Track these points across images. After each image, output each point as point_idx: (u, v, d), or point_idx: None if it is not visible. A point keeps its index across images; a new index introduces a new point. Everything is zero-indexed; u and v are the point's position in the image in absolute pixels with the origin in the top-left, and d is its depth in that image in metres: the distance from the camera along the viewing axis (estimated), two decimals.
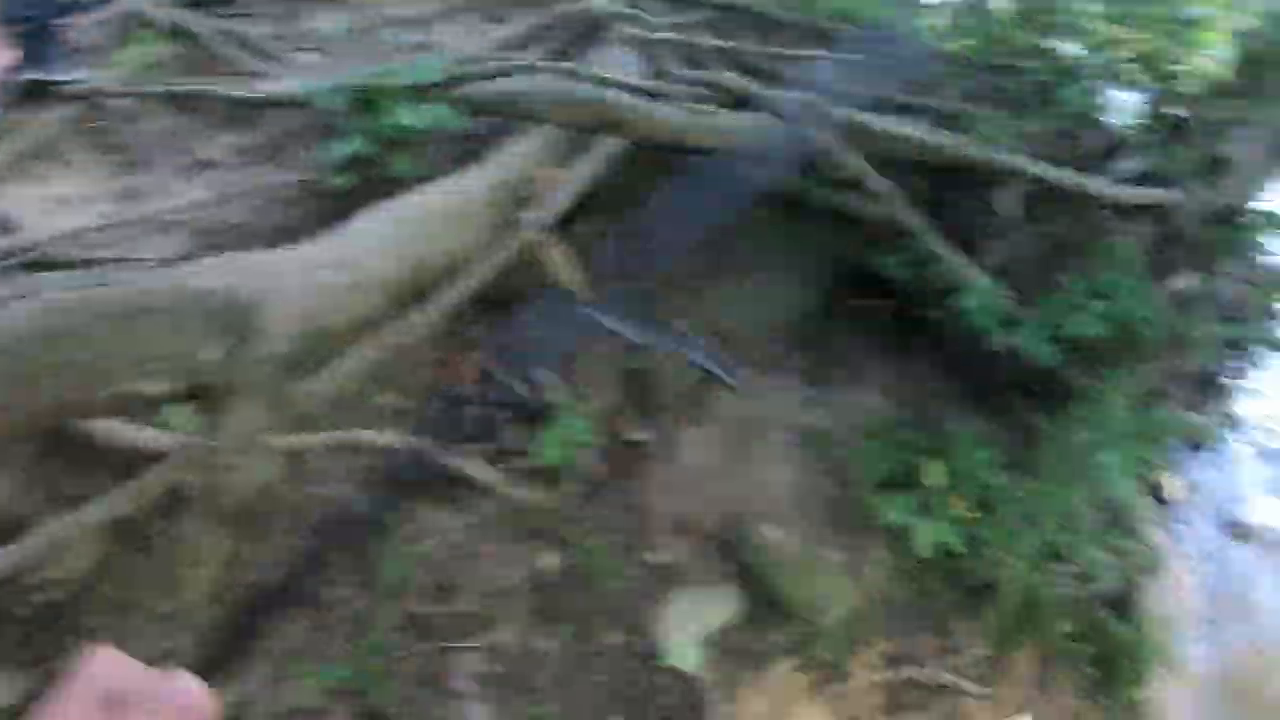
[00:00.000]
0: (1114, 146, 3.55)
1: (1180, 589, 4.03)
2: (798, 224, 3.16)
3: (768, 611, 3.06)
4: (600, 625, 3.09)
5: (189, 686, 0.58)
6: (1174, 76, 4.10)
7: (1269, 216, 3.53)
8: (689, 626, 3.03)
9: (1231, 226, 3.48)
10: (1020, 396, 3.18)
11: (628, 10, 3.76)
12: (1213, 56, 4.50)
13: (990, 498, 2.97)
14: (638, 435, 3.10)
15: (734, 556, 3.00)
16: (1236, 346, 3.54)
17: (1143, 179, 3.52)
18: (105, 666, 0.56)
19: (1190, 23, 4.13)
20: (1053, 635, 3.32)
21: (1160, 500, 4.13)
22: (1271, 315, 3.63)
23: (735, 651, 3.08)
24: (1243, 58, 4.34)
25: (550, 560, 3.12)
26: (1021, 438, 3.15)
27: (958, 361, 3.08)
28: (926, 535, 2.84)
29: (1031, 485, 3.04)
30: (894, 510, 2.84)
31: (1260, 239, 3.53)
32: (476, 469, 3.08)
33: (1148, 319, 2.90)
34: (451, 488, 3.05)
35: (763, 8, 3.84)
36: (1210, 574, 3.98)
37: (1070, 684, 3.32)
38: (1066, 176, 3.07)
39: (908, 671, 3.24)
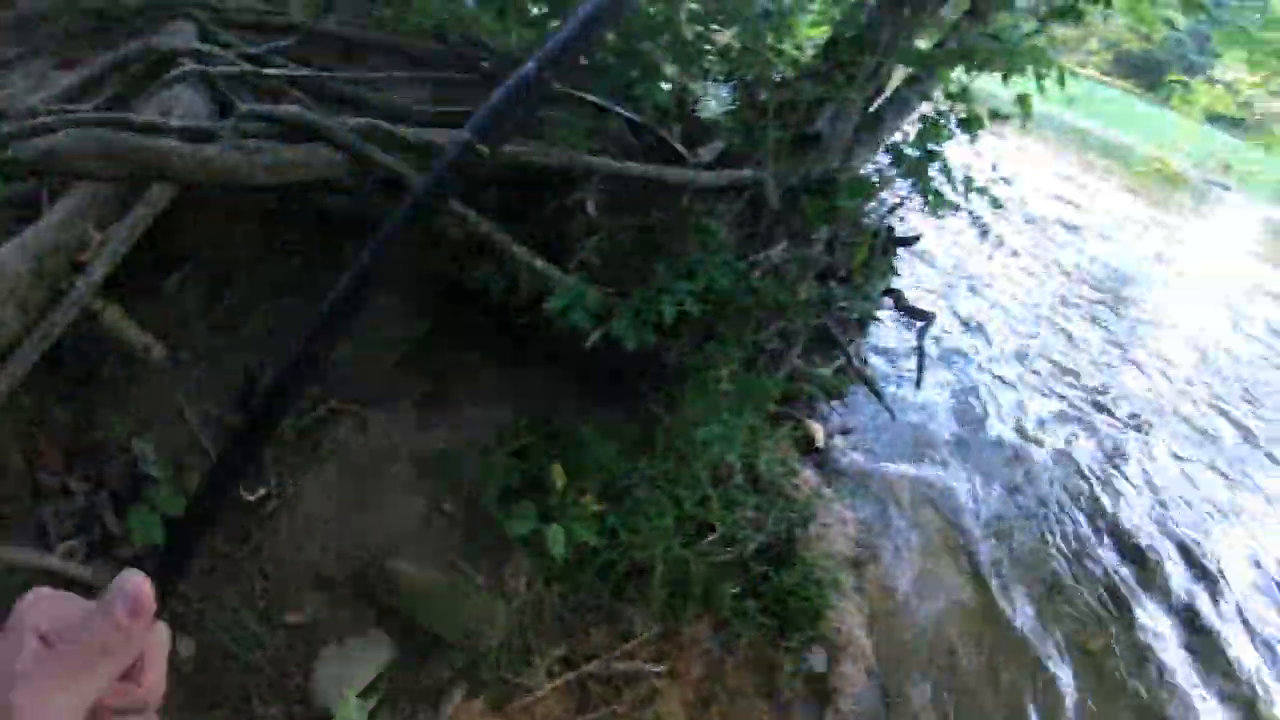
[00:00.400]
0: (703, 135, 3.77)
1: (842, 523, 4.41)
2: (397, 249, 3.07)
3: (425, 647, 2.99)
4: (257, 701, 2.90)
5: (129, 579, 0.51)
6: (766, 64, 4.40)
7: (856, 184, 3.87)
8: (346, 681, 2.90)
9: (822, 195, 3.78)
10: (642, 385, 3.30)
11: (201, 45, 3.52)
12: (800, 44, 4.90)
13: (618, 487, 3.06)
14: (254, 493, 2.92)
15: (375, 600, 2.90)
16: (834, 303, 3.86)
17: (734, 161, 3.76)
18: (42, 608, 0.51)
19: (780, 14, 4.46)
20: (720, 600, 3.49)
21: (813, 449, 4.49)
22: (867, 271, 3.99)
23: (404, 693, 2.99)
24: (828, 43, 4.73)
25: (184, 647, 2.88)
26: (647, 424, 3.28)
27: (573, 362, 3.14)
28: (558, 537, 2.87)
29: (659, 467, 3.17)
30: (520, 521, 2.85)
31: (850, 204, 3.86)
32: (75, 568, 2.78)
33: (732, 292, 3.08)
34: None
35: (347, 31, 3.74)
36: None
37: (749, 638, 3.50)
38: (645, 169, 3.20)
39: (587, 669, 3.28)
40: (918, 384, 4.57)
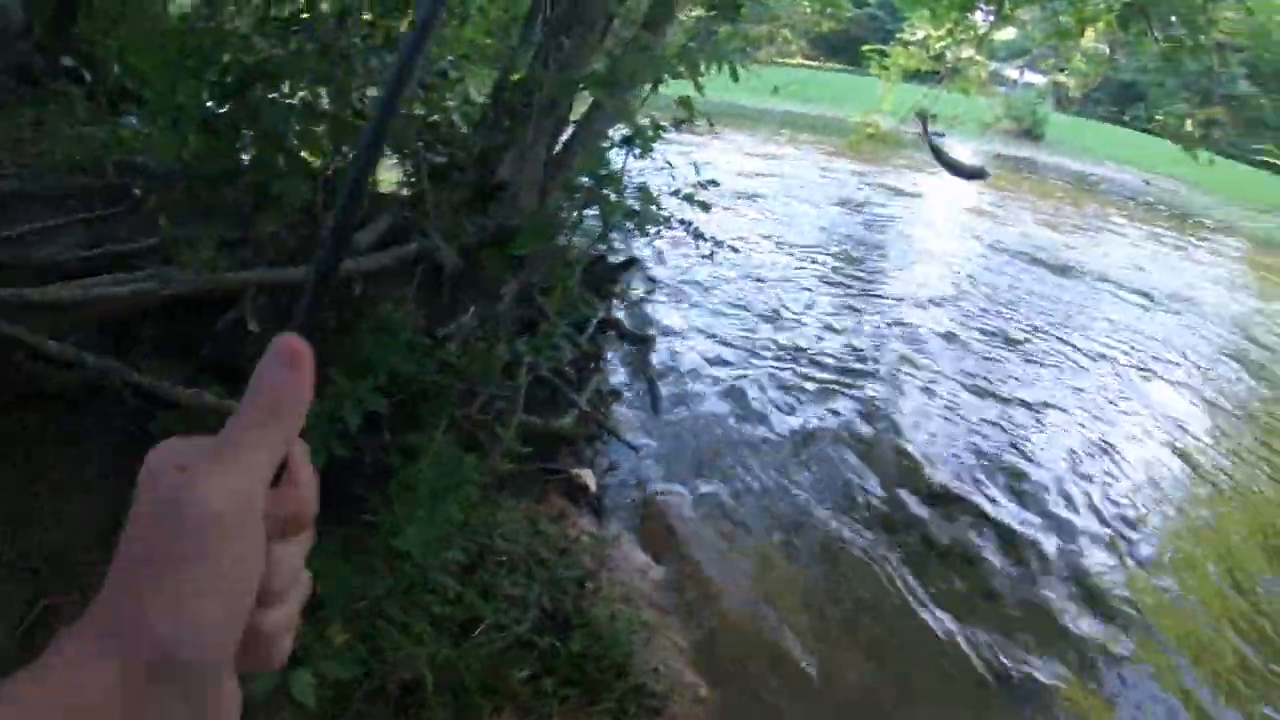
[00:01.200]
0: (367, 215, 3.59)
1: (633, 562, 4.30)
2: None
3: None
4: None
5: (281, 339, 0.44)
6: (431, 127, 4.27)
7: (534, 229, 3.80)
8: None
9: (501, 247, 3.68)
10: (360, 491, 3.06)
11: None
12: (470, 99, 4.80)
13: (363, 608, 2.80)
14: None
15: None
16: (543, 352, 3.75)
17: (404, 234, 3.60)
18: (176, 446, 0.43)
19: (443, 77, 4.34)
20: (511, 689, 3.27)
21: (588, 496, 4.37)
22: (571, 311, 3.91)
23: None
24: (494, 90, 4.64)
25: None
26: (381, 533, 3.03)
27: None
28: (304, 684, 2.57)
29: (397, 579, 2.94)
30: (259, 680, 2.53)
31: (532, 249, 3.77)
32: None
33: (420, 376, 2.90)
34: None
35: None
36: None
37: (559, 715, 3.30)
38: (293, 274, 2.97)
39: None
40: (655, 410, 4.55)
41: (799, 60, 37.00)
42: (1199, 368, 8.93)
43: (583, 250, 4.23)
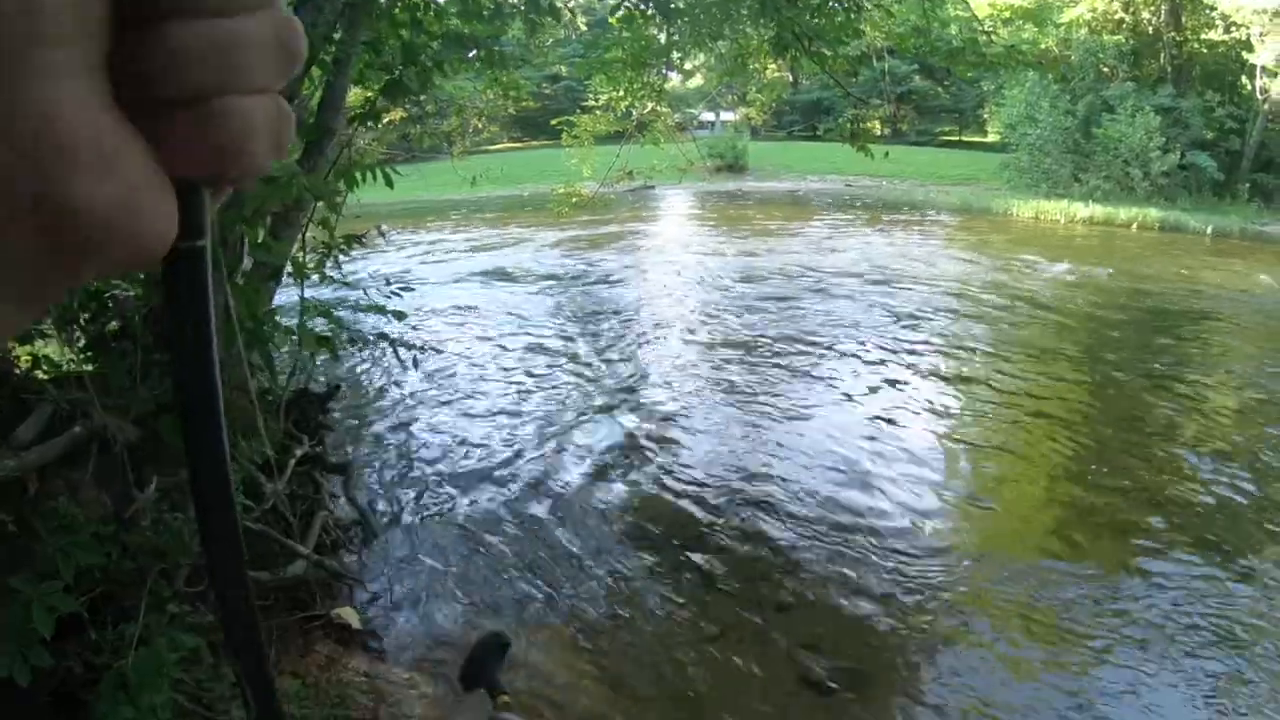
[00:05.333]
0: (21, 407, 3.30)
1: (420, 691, 4.13)
2: None
3: None
4: None
5: None
6: (97, 292, 4.00)
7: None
8: None
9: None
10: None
11: None
12: None
13: None
14: None
15: None
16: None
17: (70, 418, 3.34)
18: None
19: None
20: None
21: (354, 634, 4.17)
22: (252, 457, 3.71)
23: None
24: None
25: None
26: None
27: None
28: None
29: None
30: None
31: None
32: None
33: (110, 563, 2.69)
34: None
35: None
36: None
37: None
38: None
39: None
40: (367, 538, 4.50)
41: (505, 144, 38.05)
42: (936, 335, 9.93)
43: (281, 389, 4.09)
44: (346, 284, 4.44)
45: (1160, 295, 12.89)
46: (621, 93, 10.87)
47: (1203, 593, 4.62)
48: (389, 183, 4.15)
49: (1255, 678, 3.98)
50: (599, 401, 7.64)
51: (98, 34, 0.25)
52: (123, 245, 0.27)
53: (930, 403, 7.66)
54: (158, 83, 0.26)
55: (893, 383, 8.22)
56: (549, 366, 8.73)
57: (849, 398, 7.73)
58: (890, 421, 7.10)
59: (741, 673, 4.03)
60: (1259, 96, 23.49)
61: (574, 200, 11.08)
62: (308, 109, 4.25)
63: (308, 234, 4.32)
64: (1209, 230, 20.10)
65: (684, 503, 5.60)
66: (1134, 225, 20.77)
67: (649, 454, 6.39)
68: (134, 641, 2.70)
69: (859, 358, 9.06)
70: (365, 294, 4.53)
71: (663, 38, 10.08)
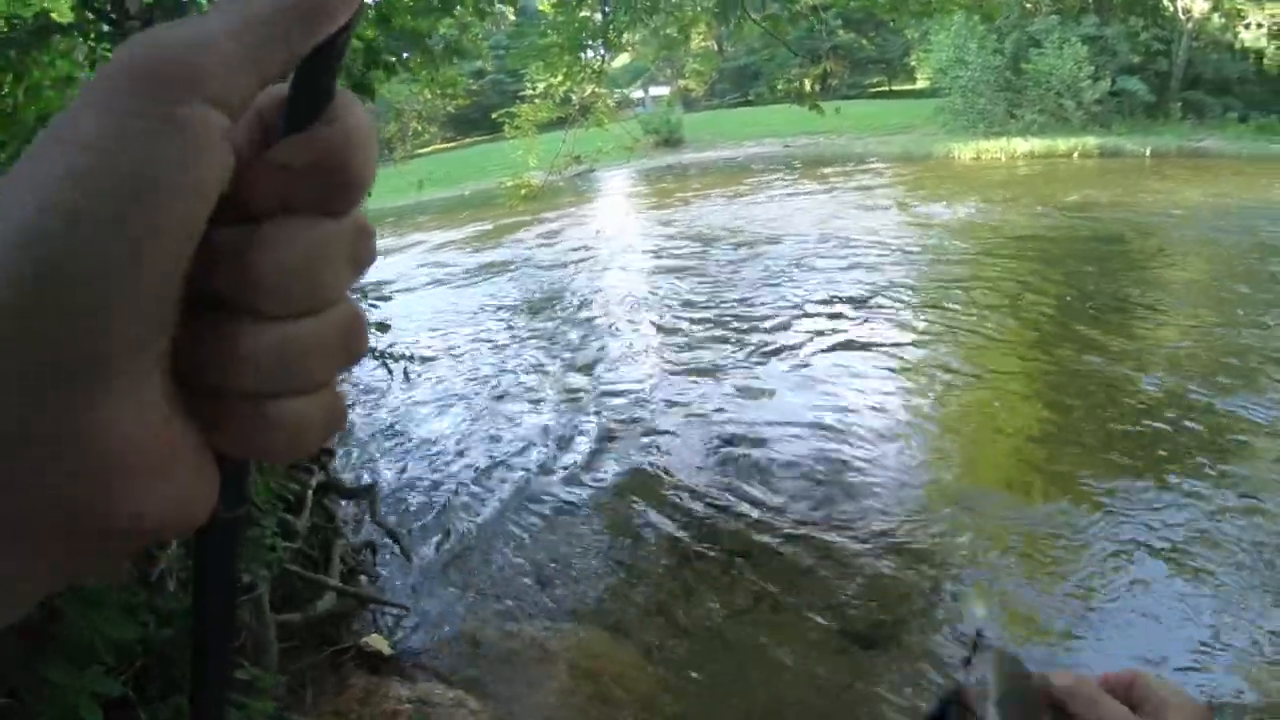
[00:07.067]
0: None
1: (466, 709, 4.07)
2: None
3: None
4: None
5: None
6: None
7: None
8: None
9: None
10: None
11: None
12: None
13: None
14: None
15: None
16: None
17: None
18: None
19: None
20: None
21: (386, 661, 4.09)
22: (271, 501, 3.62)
23: None
24: None
25: None
26: None
27: None
28: None
29: None
30: None
31: None
32: None
33: (141, 636, 2.58)
34: None
35: None
36: None
37: None
38: None
39: None
40: (406, 558, 4.42)
41: (439, 145, 37.37)
42: (895, 281, 10.02)
43: None
44: None
45: (1117, 220, 13.18)
46: (560, 78, 10.74)
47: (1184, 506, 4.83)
48: None
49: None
50: (576, 385, 7.66)
51: (165, 337, 0.24)
52: (169, 535, 0.27)
53: (892, 346, 7.81)
54: (220, 379, 0.26)
55: (851, 335, 8.33)
56: (531, 370, 8.66)
57: (807, 359, 7.79)
58: (857, 375, 7.23)
59: (785, 642, 4.04)
60: (1182, 17, 23.94)
61: (523, 192, 10.96)
62: None
63: None
64: (1147, 151, 20.50)
65: (682, 495, 5.56)
66: (1074, 154, 21.12)
67: (638, 441, 6.37)
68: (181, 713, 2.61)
69: (822, 314, 9.16)
70: None
71: (598, 18, 9.95)
